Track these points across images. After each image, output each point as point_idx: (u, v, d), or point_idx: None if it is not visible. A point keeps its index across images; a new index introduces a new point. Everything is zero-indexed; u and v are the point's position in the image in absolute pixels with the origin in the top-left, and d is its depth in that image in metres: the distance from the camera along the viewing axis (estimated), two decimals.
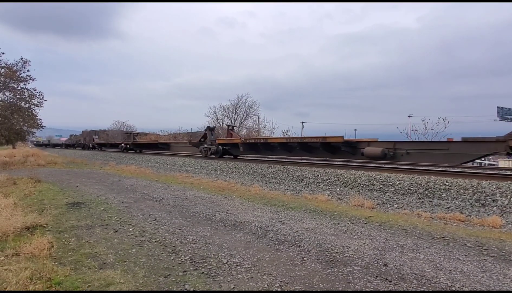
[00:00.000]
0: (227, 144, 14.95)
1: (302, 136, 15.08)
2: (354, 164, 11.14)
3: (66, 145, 46.07)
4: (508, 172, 8.29)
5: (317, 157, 11.92)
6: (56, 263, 3.03)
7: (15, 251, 3.26)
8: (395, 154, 9.14)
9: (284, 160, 13.29)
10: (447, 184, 6.40)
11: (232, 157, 15.17)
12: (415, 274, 2.87)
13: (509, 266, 3.09)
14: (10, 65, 18.14)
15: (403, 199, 6.37)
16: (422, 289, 2.59)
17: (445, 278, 2.79)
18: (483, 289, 2.61)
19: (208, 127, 15.91)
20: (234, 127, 17.12)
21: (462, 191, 6.07)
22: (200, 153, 15.87)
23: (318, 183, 8.33)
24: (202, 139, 16.08)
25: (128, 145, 24.60)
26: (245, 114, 35.83)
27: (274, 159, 13.78)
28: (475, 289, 2.60)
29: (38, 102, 19.11)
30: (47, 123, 22.04)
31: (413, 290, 2.58)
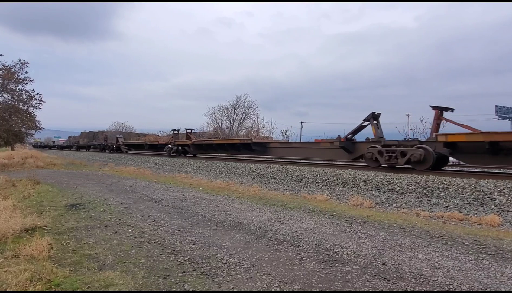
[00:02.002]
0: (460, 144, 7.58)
1: None
2: (353, 163, 11.17)
3: (78, 147, 39.27)
4: (506, 170, 8.32)
5: None
6: (55, 265, 3.03)
7: (15, 253, 3.26)
8: None
9: (283, 160, 13.30)
10: (445, 183, 6.42)
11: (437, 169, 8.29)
12: (414, 272, 2.89)
13: (507, 264, 3.11)
14: (8, 67, 18.10)
15: (402, 198, 6.39)
16: (420, 288, 2.60)
17: (443, 276, 2.81)
18: (481, 287, 2.63)
19: (373, 113, 9.51)
20: (451, 110, 8.79)
21: (460, 189, 6.10)
22: (365, 161, 9.41)
23: (317, 182, 8.34)
24: (350, 136, 9.96)
25: (180, 147, 18.18)
26: (244, 114, 35.93)
27: (274, 159, 13.74)
28: (472, 288, 2.62)
29: (36, 103, 19.08)
30: (45, 125, 21.99)
31: (412, 289, 2.60)
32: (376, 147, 8.84)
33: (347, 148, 9.79)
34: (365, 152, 9.18)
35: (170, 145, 18.78)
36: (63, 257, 3.26)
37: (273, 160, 13.56)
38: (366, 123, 9.68)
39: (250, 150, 13.78)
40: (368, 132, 9.79)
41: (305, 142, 13.20)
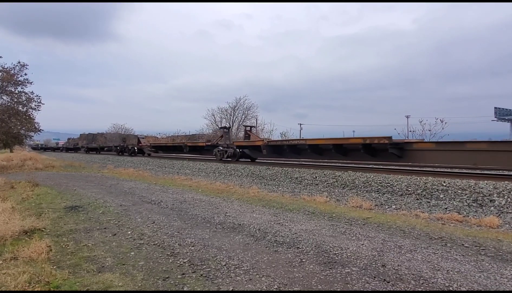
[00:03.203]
0: None
1: None
2: (352, 165, 11.17)
3: (88, 149, 35.67)
4: (505, 172, 8.33)
5: None
6: (54, 267, 3.02)
7: (13, 255, 3.25)
8: None
9: (282, 162, 13.29)
10: (444, 184, 6.43)
11: None
12: (413, 274, 2.89)
13: (506, 265, 3.11)
14: (8, 69, 18.11)
15: (401, 200, 6.39)
16: (420, 289, 2.60)
17: (442, 278, 2.81)
18: (481, 289, 2.63)
19: None
20: None
21: (459, 191, 6.10)
22: None
23: (317, 184, 8.34)
24: None
25: (240, 149, 13.95)
26: (243, 116, 35.89)
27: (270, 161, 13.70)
28: (472, 289, 2.62)
29: (35, 106, 19.10)
30: (44, 127, 21.95)
31: (411, 290, 2.59)
32: None
33: None
34: None
35: (221, 147, 14.66)
36: (62, 259, 3.25)
37: (273, 161, 13.53)
38: None
39: (372, 154, 9.23)
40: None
41: (496, 143, 7.83)
